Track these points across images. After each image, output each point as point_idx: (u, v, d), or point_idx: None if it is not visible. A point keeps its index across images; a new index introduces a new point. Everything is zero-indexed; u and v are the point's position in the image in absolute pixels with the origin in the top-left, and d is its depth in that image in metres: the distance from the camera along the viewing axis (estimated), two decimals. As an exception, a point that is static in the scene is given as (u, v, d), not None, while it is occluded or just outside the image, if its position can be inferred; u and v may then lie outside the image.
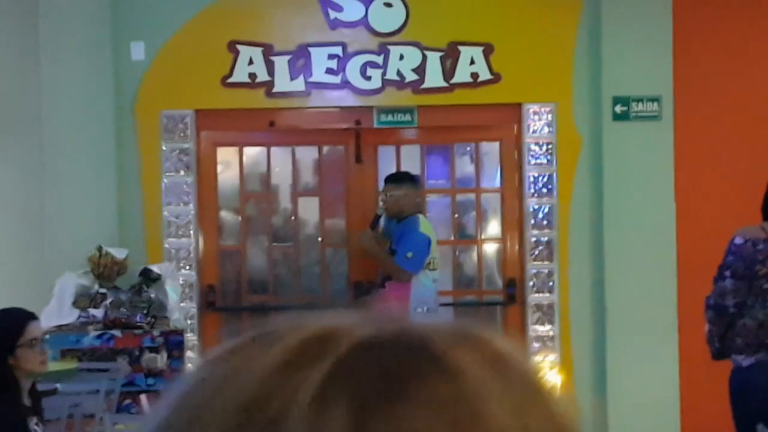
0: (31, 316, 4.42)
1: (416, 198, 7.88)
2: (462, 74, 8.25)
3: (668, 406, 8.13)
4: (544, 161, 8.29)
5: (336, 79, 8.24)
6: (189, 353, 7.86)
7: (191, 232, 8.22)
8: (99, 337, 7.45)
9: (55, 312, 7.49)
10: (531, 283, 8.30)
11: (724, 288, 5.44)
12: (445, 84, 8.26)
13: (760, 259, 5.34)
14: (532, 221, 8.30)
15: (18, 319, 4.39)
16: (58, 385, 6.21)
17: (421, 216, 7.83)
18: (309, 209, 8.63)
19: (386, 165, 8.41)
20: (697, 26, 8.27)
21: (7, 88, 7.87)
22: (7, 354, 4.28)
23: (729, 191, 8.27)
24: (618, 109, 8.18)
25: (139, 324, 7.54)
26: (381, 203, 7.84)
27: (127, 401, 7.32)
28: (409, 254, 7.60)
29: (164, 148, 8.20)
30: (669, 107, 8.19)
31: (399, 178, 7.91)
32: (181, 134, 8.21)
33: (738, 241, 5.47)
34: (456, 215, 8.52)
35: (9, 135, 8.10)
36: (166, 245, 8.19)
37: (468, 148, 8.62)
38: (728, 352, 5.52)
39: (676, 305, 8.14)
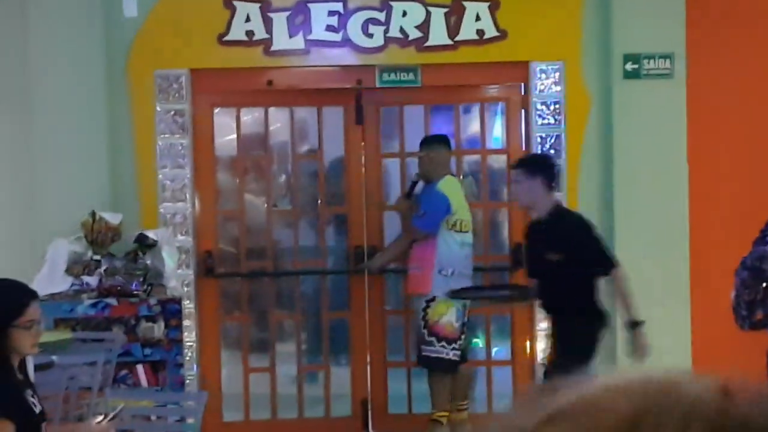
0: (34, 295, 4.15)
1: (444, 160, 7.66)
2: (467, 31, 7.96)
3: (680, 373, 7.90)
4: (552, 121, 8.02)
5: (336, 37, 7.95)
6: (186, 322, 7.60)
7: (187, 196, 7.93)
8: (93, 305, 7.19)
9: (47, 279, 7.22)
10: (538, 248, 8.04)
11: (764, 252, 5.17)
12: (449, 41, 7.98)
13: None
14: (540, 183, 8.03)
15: (21, 297, 4.11)
16: (54, 358, 5.94)
17: (448, 176, 7.63)
18: (308, 172, 8.36)
19: (389, 126, 8.14)
20: (710, -20, 8.01)
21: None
22: (5, 330, 4.01)
23: (742, 151, 8.05)
24: (629, 66, 7.91)
25: (134, 292, 7.28)
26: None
27: (123, 372, 7.07)
28: (421, 213, 7.44)
29: (158, 109, 7.90)
30: (681, 65, 7.93)
31: (425, 141, 7.77)
32: (176, 94, 7.92)
33: None
34: (461, 177, 8.26)
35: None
36: (162, 210, 7.91)
37: (473, 108, 8.35)
38: (765, 322, 5.25)
39: (688, 268, 7.92)
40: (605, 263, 6.50)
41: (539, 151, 7.96)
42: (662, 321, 7.89)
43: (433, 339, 7.43)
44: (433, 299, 7.44)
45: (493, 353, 8.35)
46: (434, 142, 7.70)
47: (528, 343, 8.14)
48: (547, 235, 6.52)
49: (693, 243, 7.92)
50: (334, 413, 8.19)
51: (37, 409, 4.14)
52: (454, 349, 7.50)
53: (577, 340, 6.49)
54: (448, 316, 7.44)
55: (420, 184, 7.75)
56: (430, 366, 7.51)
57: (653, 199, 7.91)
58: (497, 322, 8.38)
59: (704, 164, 7.97)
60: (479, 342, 8.53)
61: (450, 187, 7.58)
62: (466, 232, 7.58)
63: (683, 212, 7.93)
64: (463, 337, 7.59)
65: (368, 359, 8.02)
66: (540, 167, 6.66)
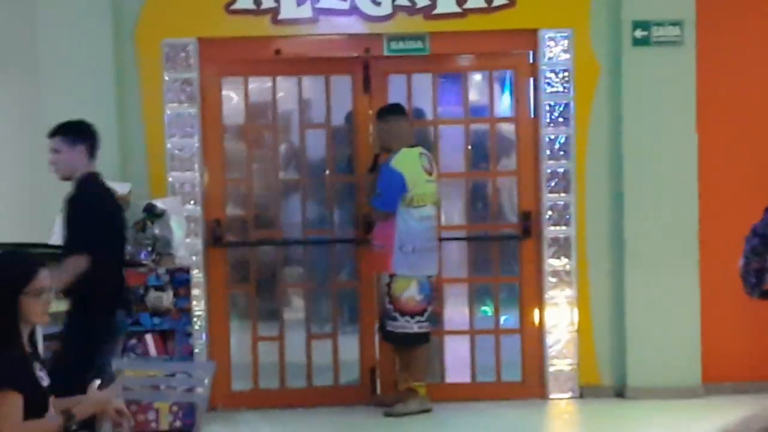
0: (42, 263, 4.15)
1: (401, 130, 7.62)
2: (476, -1, 7.94)
3: (688, 341, 7.91)
4: (561, 89, 8.00)
5: (344, 5, 7.92)
6: (195, 291, 7.61)
7: (196, 165, 7.93)
8: (102, 275, 7.17)
9: (56, 250, 7.21)
10: (547, 216, 8.04)
11: None
12: (458, 9, 7.95)
13: None
14: (548, 152, 8.02)
15: (30, 265, 4.12)
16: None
17: (405, 150, 7.60)
18: (316, 141, 8.34)
19: (397, 95, 8.11)
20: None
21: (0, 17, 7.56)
22: (14, 299, 4.01)
23: (752, 119, 8.02)
24: (638, 33, 7.88)
25: (143, 261, 7.28)
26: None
27: (132, 341, 7.09)
28: (378, 191, 7.49)
29: (166, 78, 7.89)
30: (691, 32, 7.88)
31: (379, 112, 7.75)
32: (184, 64, 7.90)
33: None
34: (469, 146, 8.23)
35: (3, 67, 7.79)
36: (170, 179, 7.91)
37: (482, 76, 8.32)
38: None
39: (697, 238, 7.90)
40: (68, 245, 5.90)
41: (547, 120, 7.96)
42: (671, 289, 7.89)
43: (397, 314, 7.52)
44: (394, 275, 7.54)
45: (501, 321, 8.35)
46: (390, 112, 7.69)
47: (537, 312, 8.14)
48: (67, 205, 6.04)
49: (702, 211, 7.90)
50: (342, 381, 8.21)
51: (45, 383, 4.14)
52: (419, 322, 7.58)
53: (75, 333, 5.86)
54: (409, 290, 7.53)
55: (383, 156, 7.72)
56: (396, 341, 7.61)
57: (662, 167, 7.89)
58: (506, 291, 8.38)
59: (713, 132, 7.95)
60: (488, 310, 8.53)
61: (405, 162, 7.57)
62: (424, 206, 7.58)
63: (692, 180, 7.91)
64: (429, 309, 7.64)
65: (376, 327, 8.03)
66: (83, 135, 6.10)
